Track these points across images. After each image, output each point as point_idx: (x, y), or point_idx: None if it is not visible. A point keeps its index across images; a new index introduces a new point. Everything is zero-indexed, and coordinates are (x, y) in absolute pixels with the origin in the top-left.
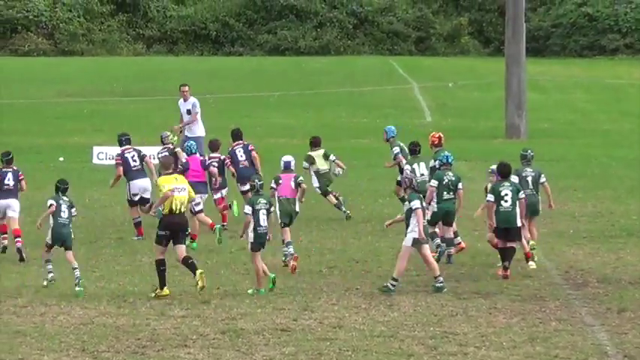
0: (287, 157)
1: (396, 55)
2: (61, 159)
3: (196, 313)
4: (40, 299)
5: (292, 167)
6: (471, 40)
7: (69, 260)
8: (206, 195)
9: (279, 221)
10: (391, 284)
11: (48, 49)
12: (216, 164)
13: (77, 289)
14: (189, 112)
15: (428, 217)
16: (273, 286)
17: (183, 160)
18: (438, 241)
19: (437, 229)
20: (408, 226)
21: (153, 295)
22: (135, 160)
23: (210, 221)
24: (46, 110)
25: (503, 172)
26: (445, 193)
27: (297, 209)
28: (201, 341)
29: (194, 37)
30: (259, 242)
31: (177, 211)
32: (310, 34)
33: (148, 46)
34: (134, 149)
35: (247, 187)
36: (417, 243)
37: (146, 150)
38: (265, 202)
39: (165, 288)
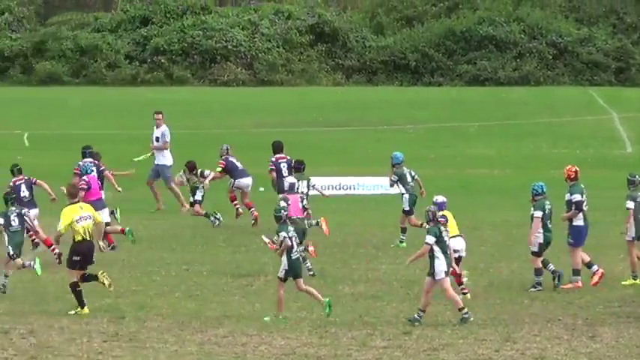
0: (291, 179)
1: (596, 85)
2: (262, 189)
3: (398, 343)
4: (242, 329)
5: (296, 189)
6: None
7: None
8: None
9: None
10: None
11: (247, 79)
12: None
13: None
14: (157, 139)
15: (535, 248)
16: (329, 310)
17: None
18: (552, 267)
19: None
20: (431, 258)
21: (73, 313)
22: (24, 191)
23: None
24: (244, 140)
25: None
26: (548, 222)
27: (308, 227)
28: None
29: (393, 67)
30: (292, 269)
31: (88, 238)
32: (510, 64)
33: (347, 77)
34: (25, 179)
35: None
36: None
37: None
38: (294, 229)
39: (85, 307)
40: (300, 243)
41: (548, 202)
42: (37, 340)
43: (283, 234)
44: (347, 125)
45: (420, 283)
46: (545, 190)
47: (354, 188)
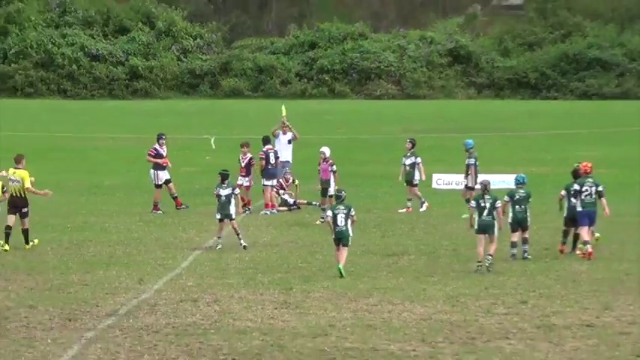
0: (324, 148)
1: None
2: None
3: (516, 311)
4: (388, 299)
5: (328, 156)
6: None
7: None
8: None
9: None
10: (478, 265)
11: (396, 94)
12: None
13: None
14: (290, 141)
15: (508, 225)
16: (341, 275)
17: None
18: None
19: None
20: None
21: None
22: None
23: None
24: (394, 144)
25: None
26: (517, 207)
27: (332, 187)
28: (520, 334)
29: (517, 84)
30: (337, 238)
31: (16, 195)
32: (613, 82)
33: (479, 92)
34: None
35: (271, 182)
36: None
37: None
38: (344, 207)
39: (6, 245)
40: (324, 195)
41: (522, 191)
42: (220, 308)
43: (329, 213)
44: (478, 132)
45: (536, 262)
46: (525, 180)
47: None
